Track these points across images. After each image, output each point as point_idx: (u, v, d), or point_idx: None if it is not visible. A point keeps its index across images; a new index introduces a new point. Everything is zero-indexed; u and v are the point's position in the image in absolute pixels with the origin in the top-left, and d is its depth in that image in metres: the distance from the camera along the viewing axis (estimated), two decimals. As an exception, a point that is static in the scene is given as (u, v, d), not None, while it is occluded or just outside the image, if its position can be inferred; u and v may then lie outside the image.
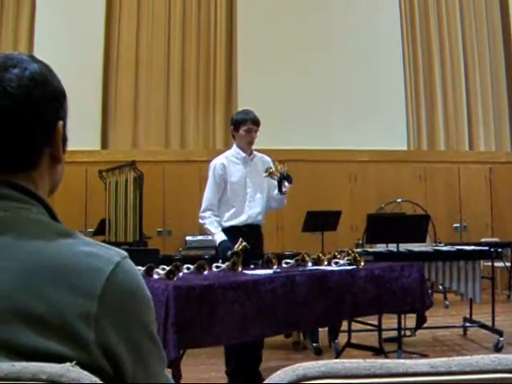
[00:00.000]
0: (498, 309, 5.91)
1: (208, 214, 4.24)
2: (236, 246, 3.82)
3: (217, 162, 4.31)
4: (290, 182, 4.17)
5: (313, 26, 9.65)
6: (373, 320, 5.07)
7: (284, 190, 4.18)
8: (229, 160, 4.31)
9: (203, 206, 4.28)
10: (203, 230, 7.90)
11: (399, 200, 7.20)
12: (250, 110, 4.36)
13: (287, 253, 5.91)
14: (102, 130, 9.29)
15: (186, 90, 9.51)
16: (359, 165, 9.39)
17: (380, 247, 5.91)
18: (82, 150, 8.14)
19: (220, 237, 4.17)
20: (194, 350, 3.91)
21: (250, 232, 4.20)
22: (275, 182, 4.20)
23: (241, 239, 3.92)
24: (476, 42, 10.23)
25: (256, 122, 4.27)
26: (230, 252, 3.82)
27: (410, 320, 5.45)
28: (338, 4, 9.83)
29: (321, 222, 6.55)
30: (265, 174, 4.19)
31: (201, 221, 4.31)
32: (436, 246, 6.00)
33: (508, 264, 8.02)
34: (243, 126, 4.24)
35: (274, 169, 4.19)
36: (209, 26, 9.66)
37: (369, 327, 5.30)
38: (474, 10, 10.25)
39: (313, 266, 3.81)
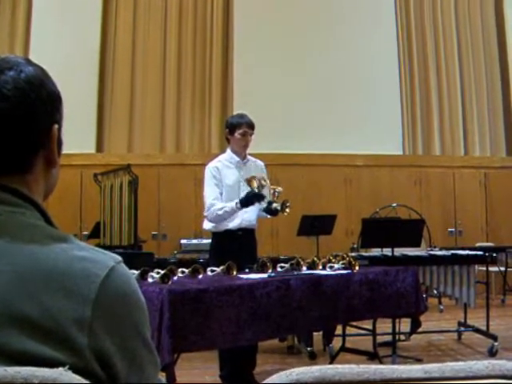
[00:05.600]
0: (493, 313, 5.92)
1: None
2: (251, 186, 3.88)
3: (211, 165, 4.31)
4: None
5: (310, 29, 9.67)
6: (367, 324, 5.07)
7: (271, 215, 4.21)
8: (222, 164, 4.30)
9: (206, 206, 4.17)
10: (198, 234, 7.98)
11: (394, 204, 7.20)
12: (244, 114, 4.36)
13: (282, 257, 5.90)
14: (97, 134, 9.28)
15: (182, 94, 9.51)
16: (354, 169, 9.40)
17: (375, 251, 5.91)
18: (77, 153, 8.13)
19: (232, 202, 4.06)
20: (188, 353, 3.90)
21: (244, 236, 4.20)
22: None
23: (246, 179, 3.95)
24: (471, 48, 10.27)
25: (251, 126, 4.27)
26: (256, 188, 3.88)
27: (405, 324, 5.46)
28: (337, 7, 9.86)
29: (316, 225, 6.55)
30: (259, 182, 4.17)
31: (209, 217, 4.17)
32: (431, 250, 6.01)
33: (502, 269, 8.04)
34: (238, 130, 4.24)
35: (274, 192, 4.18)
36: (205, 29, 9.66)
37: (363, 331, 5.30)
38: (470, 18, 10.30)
39: (308, 270, 3.81)
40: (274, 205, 4.09)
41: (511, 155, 10.18)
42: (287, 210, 4.09)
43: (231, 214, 4.10)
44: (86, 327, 0.82)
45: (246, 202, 4.00)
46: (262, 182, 3.95)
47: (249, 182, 3.95)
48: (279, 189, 4.15)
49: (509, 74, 10.32)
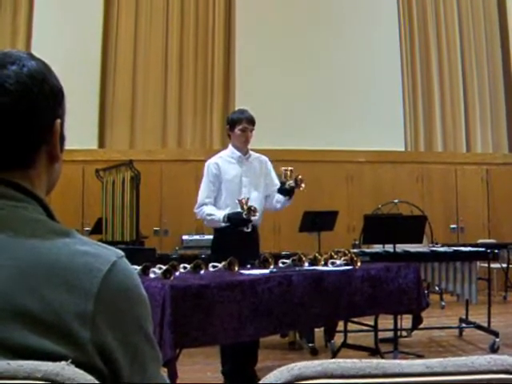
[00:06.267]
0: (494, 310, 5.92)
1: (203, 207, 4.22)
2: (243, 209, 3.89)
3: (211, 161, 4.31)
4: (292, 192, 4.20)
5: (312, 26, 9.65)
6: (369, 320, 5.07)
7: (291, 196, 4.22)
8: (223, 159, 4.30)
9: (198, 203, 4.25)
10: (200, 230, 7.97)
11: (396, 201, 7.19)
12: (245, 109, 4.36)
13: (284, 253, 5.90)
14: (99, 129, 9.28)
15: (184, 89, 9.50)
16: (356, 165, 9.40)
17: (377, 248, 5.91)
18: (79, 148, 8.13)
19: (222, 213, 4.11)
20: (190, 349, 3.91)
21: (246, 232, 4.19)
22: (276, 181, 4.23)
23: (238, 200, 3.96)
24: (474, 43, 10.25)
25: (251, 121, 4.26)
26: (244, 214, 3.89)
27: (406, 321, 5.46)
28: (337, 7, 9.84)
29: (318, 222, 6.55)
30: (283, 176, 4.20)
31: (198, 215, 4.26)
32: (432, 246, 6.00)
33: (504, 265, 8.04)
34: (238, 126, 4.23)
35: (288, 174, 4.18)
36: (207, 25, 9.65)
37: (365, 328, 5.29)
38: (472, 13, 10.27)
39: (309, 266, 3.81)
40: (288, 183, 4.11)
41: (513, 152, 10.18)
42: (302, 185, 4.11)
43: (217, 223, 4.15)
44: (88, 321, 0.82)
45: (232, 221, 4.06)
46: (252, 209, 3.95)
47: (240, 202, 3.95)
48: (290, 168, 4.17)
49: (511, 72, 10.29)
